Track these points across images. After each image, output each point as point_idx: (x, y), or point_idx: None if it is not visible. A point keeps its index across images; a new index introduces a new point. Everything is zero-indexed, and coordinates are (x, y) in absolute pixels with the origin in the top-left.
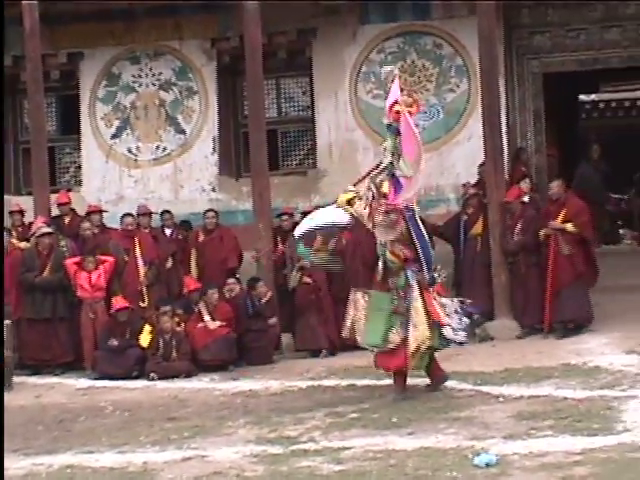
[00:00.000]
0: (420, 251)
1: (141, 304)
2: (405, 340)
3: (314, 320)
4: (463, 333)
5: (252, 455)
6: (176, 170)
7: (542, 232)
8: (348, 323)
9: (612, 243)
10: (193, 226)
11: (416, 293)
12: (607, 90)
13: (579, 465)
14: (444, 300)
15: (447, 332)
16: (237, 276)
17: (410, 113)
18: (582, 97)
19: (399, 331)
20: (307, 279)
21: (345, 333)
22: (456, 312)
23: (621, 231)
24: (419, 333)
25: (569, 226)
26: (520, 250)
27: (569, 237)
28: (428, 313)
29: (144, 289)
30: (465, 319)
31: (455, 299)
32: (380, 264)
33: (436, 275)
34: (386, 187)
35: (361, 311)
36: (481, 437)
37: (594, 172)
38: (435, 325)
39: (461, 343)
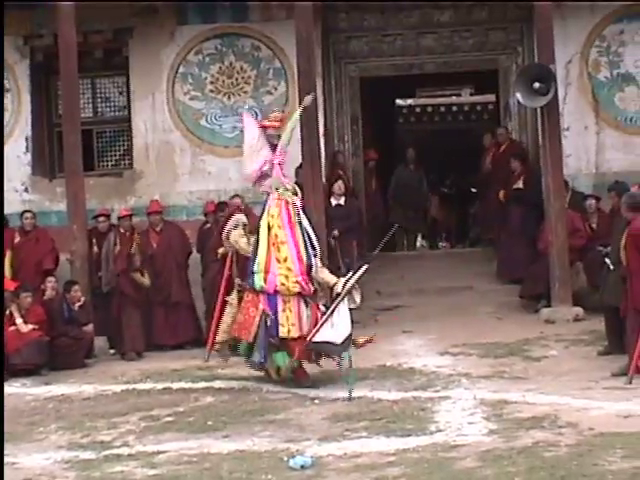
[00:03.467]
0: None
1: None
2: None
3: (138, 322)
4: None
5: (64, 461)
6: None
7: (220, 250)
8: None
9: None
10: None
11: None
12: (423, 95)
13: (392, 465)
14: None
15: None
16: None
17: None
18: (399, 102)
19: None
20: (145, 280)
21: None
22: None
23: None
24: None
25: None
26: None
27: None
28: None
29: None
30: None
31: None
32: None
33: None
34: None
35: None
36: (296, 439)
37: (411, 176)
38: None
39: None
